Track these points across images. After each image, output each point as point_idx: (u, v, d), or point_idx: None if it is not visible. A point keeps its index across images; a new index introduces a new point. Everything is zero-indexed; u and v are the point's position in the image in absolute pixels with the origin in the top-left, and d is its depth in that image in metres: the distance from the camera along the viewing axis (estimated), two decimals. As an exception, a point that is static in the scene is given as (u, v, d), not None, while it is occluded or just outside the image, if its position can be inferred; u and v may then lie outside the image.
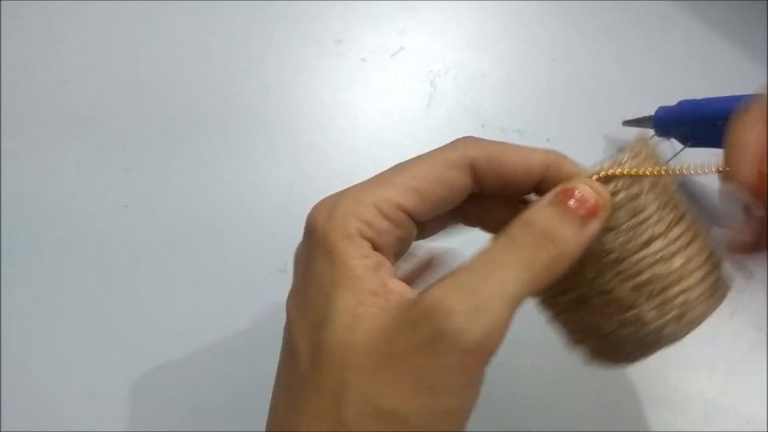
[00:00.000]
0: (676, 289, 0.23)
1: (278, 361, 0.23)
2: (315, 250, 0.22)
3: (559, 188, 0.22)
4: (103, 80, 0.47)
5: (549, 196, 0.22)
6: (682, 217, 0.24)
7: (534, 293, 0.21)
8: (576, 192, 0.21)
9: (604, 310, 0.23)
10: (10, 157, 0.43)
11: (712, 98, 0.41)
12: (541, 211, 0.21)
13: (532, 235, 0.20)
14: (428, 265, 0.30)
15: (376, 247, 0.22)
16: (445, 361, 0.18)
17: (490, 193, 0.24)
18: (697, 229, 0.25)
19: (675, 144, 0.46)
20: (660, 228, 0.23)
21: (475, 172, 0.23)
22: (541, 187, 0.24)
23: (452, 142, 0.24)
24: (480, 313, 0.19)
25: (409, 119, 0.48)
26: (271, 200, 0.43)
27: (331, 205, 0.22)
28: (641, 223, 0.23)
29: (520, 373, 0.37)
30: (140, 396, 0.36)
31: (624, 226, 0.23)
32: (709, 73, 0.53)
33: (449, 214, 0.25)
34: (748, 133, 0.25)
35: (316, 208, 0.23)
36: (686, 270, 0.23)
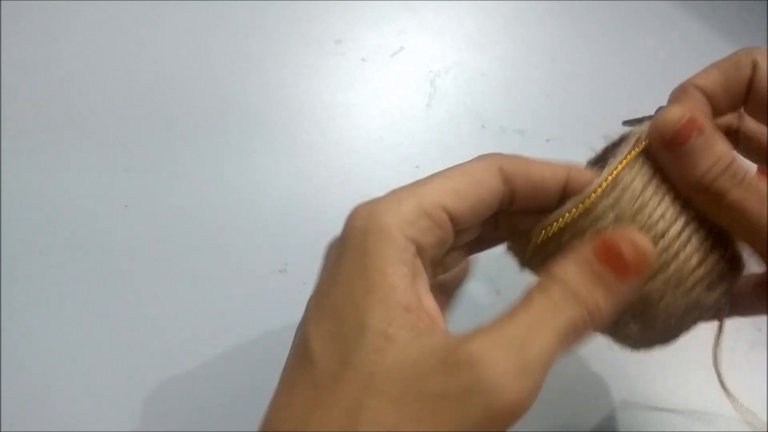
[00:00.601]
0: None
1: (288, 358, 0.22)
2: (349, 248, 0.21)
3: (598, 241, 0.20)
4: (103, 80, 0.47)
5: (587, 248, 0.20)
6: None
7: (566, 351, 0.20)
8: (614, 248, 0.20)
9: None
10: (10, 157, 0.43)
11: None
12: (576, 265, 0.20)
13: (568, 297, 0.20)
14: (459, 274, 0.29)
15: (418, 249, 0.22)
16: (477, 418, 0.18)
17: (519, 205, 0.24)
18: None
19: None
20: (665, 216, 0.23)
21: (505, 177, 0.23)
22: (564, 201, 0.24)
23: (480, 155, 0.24)
24: (525, 375, 0.18)
25: (409, 119, 0.48)
26: (271, 200, 0.43)
27: (371, 206, 0.22)
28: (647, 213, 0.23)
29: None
30: (140, 396, 0.36)
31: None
32: (709, 73, 0.53)
33: (482, 229, 0.25)
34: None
35: (356, 208, 0.22)
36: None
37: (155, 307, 0.39)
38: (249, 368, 0.37)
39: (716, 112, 0.26)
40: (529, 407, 0.19)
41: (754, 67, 0.25)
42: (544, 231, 0.23)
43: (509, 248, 0.26)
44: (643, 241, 0.20)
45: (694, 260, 0.23)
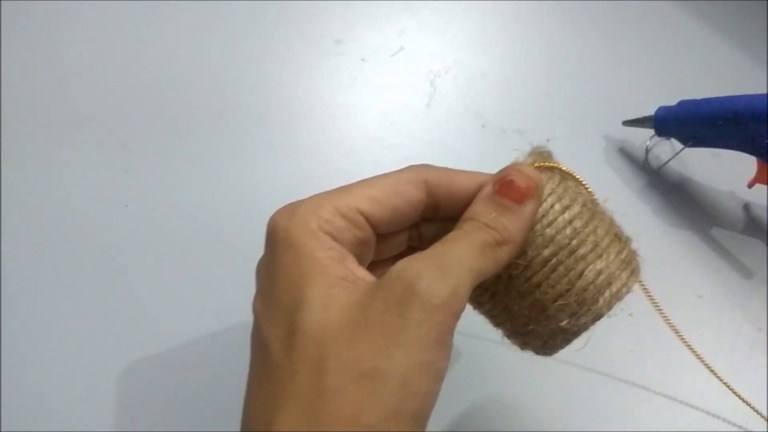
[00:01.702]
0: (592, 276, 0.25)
1: (249, 364, 0.23)
2: (277, 248, 0.23)
3: (495, 177, 0.24)
4: (103, 80, 0.47)
5: (488, 188, 0.24)
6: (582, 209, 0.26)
7: (487, 274, 0.23)
8: (510, 180, 0.24)
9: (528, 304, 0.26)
10: (10, 157, 0.43)
11: (711, 98, 0.41)
12: (482, 206, 0.24)
13: (478, 225, 0.23)
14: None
15: (336, 241, 0.23)
16: (417, 317, 0.20)
17: (444, 215, 0.26)
18: (597, 217, 0.26)
19: (675, 143, 0.46)
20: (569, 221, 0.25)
21: (428, 188, 0.25)
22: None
23: (408, 166, 0.26)
24: (445, 275, 0.21)
25: (409, 119, 0.48)
26: (271, 200, 0.42)
27: (290, 208, 0.24)
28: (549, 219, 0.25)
29: (518, 374, 0.37)
30: (140, 396, 0.36)
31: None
32: (709, 73, 0.53)
33: (410, 243, 0.27)
34: None
35: (277, 213, 0.24)
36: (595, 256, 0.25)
37: (155, 307, 0.39)
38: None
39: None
40: (461, 307, 0.21)
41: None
42: None
43: None
44: (528, 168, 0.24)
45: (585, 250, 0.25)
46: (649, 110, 0.45)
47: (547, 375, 0.38)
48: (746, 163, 0.43)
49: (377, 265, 0.27)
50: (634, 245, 0.27)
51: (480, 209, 0.24)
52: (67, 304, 0.38)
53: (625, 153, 0.48)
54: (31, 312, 0.38)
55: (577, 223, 0.25)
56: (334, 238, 0.23)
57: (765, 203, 0.46)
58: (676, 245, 0.44)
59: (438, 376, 0.20)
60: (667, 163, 0.46)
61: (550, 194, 0.25)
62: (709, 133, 0.42)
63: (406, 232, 0.27)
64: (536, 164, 0.26)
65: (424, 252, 0.22)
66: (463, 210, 0.25)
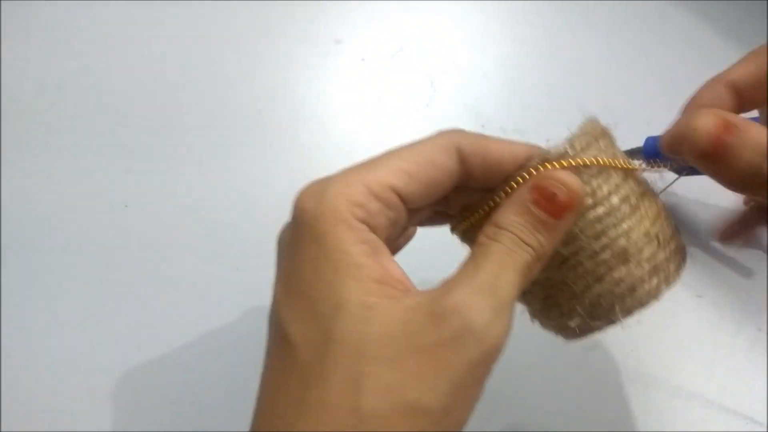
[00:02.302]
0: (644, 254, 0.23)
1: (267, 348, 0.22)
2: (304, 234, 0.21)
3: (531, 183, 0.22)
4: (103, 80, 0.47)
5: (523, 193, 0.22)
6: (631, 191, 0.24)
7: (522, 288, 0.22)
8: (552, 194, 0.22)
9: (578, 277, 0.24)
10: (10, 157, 0.43)
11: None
12: (517, 217, 0.22)
13: (517, 242, 0.22)
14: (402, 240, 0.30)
15: (370, 229, 0.22)
16: (472, 356, 0.19)
17: (475, 184, 0.25)
18: (649, 199, 0.25)
19: (666, 174, 0.44)
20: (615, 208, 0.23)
21: (461, 156, 0.24)
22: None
23: (439, 131, 0.24)
24: (501, 313, 0.20)
25: (409, 119, 0.48)
26: (271, 200, 0.43)
27: (320, 188, 0.22)
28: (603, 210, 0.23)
29: (516, 372, 0.37)
30: (140, 396, 0.36)
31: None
32: (709, 73, 0.53)
33: (436, 208, 0.25)
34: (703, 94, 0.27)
35: (304, 192, 0.22)
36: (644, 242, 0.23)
37: (155, 307, 0.39)
38: (250, 368, 0.37)
39: (745, 105, 0.26)
40: (506, 344, 0.20)
41: None
42: (486, 207, 0.24)
43: (453, 229, 0.27)
44: (572, 180, 0.22)
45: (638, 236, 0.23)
46: (650, 109, 0.45)
47: (547, 376, 0.38)
48: None
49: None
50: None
51: (515, 220, 0.22)
52: (67, 303, 0.38)
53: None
54: (31, 311, 0.38)
55: (607, 222, 0.23)
56: (368, 224, 0.22)
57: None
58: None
59: (473, 406, 0.21)
60: (660, 193, 0.44)
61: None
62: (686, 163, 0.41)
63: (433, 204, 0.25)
64: (576, 159, 0.23)
65: (475, 278, 0.21)
66: (496, 179, 0.24)
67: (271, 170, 0.44)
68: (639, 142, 0.48)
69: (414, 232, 0.31)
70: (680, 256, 0.25)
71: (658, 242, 0.24)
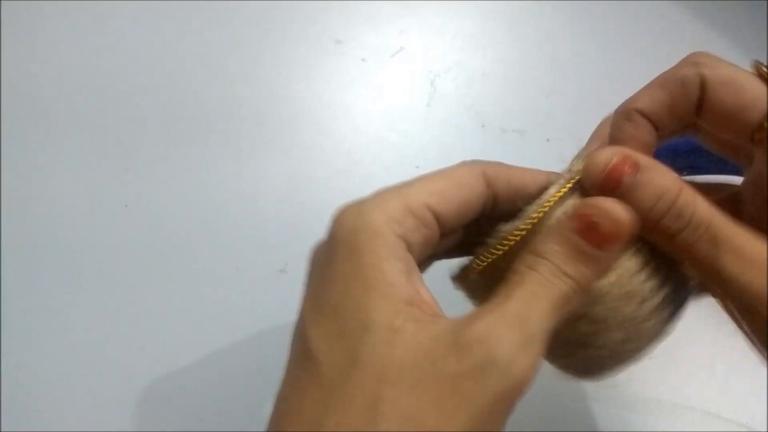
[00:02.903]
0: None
1: (289, 362, 0.22)
2: (340, 250, 0.21)
3: (576, 217, 0.21)
4: (103, 80, 0.47)
5: (564, 222, 0.21)
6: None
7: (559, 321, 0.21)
8: (594, 223, 0.21)
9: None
10: (10, 157, 0.43)
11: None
12: (557, 246, 0.21)
13: (556, 272, 0.21)
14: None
15: (406, 246, 0.22)
16: (495, 390, 0.19)
17: (502, 209, 0.25)
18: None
19: None
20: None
21: (488, 181, 0.24)
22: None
23: (462, 161, 0.25)
24: (529, 346, 0.19)
25: (409, 119, 0.48)
26: (271, 200, 0.43)
27: (358, 205, 0.22)
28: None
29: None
30: (140, 396, 0.36)
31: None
32: (709, 73, 0.53)
33: (467, 238, 0.25)
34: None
35: (342, 209, 0.22)
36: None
37: (155, 307, 0.39)
38: (249, 368, 0.37)
39: (663, 133, 0.25)
40: (534, 378, 0.20)
41: (703, 84, 0.24)
42: (504, 245, 0.23)
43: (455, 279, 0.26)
44: (617, 209, 0.21)
45: (646, 286, 0.23)
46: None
47: (545, 376, 0.38)
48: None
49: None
50: None
51: (554, 249, 0.21)
52: (67, 303, 0.38)
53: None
54: (31, 312, 0.38)
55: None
56: (406, 241, 0.21)
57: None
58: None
59: None
60: None
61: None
62: (705, 160, 0.35)
63: (460, 230, 0.25)
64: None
65: (504, 307, 0.20)
66: (521, 204, 0.24)
67: (271, 170, 0.44)
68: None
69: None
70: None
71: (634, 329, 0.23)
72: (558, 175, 0.24)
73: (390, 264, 0.21)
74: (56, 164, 0.43)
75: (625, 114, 0.25)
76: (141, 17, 0.50)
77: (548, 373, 0.37)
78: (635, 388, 0.38)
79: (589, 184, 0.22)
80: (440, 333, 0.20)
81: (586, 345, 0.23)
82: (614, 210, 0.21)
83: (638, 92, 0.25)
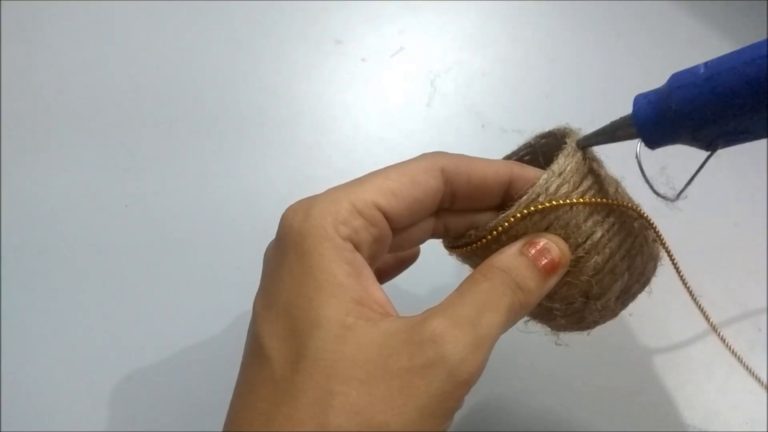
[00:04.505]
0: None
1: (243, 360, 0.23)
2: (289, 251, 0.22)
3: (527, 239, 0.24)
4: (103, 80, 0.47)
5: (520, 243, 0.24)
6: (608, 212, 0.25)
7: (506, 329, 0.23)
8: (544, 248, 0.24)
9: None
10: (10, 157, 0.43)
11: (732, 53, 0.23)
12: (515, 260, 0.23)
13: (510, 283, 0.23)
14: (401, 260, 0.30)
15: (355, 247, 0.22)
16: (442, 386, 0.19)
17: (462, 204, 0.25)
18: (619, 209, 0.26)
19: (672, 156, 0.27)
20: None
21: (446, 177, 0.24)
22: (508, 197, 0.25)
23: (423, 153, 0.25)
24: (477, 349, 0.20)
25: (409, 119, 0.48)
26: (271, 200, 0.43)
27: (306, 205, 0.22)
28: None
29: (520, 372, 0.37)
30: (140, 396, 0.36)
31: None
32: (709, 73, 0.53)
33: (422, 227, 0.26)
34: None
35: (291, 209, 0.23)
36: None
37: (155, 307, 0.39)
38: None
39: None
40: (479, 378, 0.21)
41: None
42: (493, 233, 0.25)
43: (449, 248, 0.28)
44: (564, 246, 0.24)
45: (617, 259, 0.25)
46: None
47: (546, 373, 0.38)
48: (747, 193, 0.42)
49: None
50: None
51: (513, 264, 0.23)
52: (67, 303, 0.38)
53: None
54: (31, 311, 0.38)
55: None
56: (352, 242, 0.22)
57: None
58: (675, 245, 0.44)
59: None
60: (687, 187, 0.25)
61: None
62: (750, 120, 0.22)
63: (430, 222, 0.26)
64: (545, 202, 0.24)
65: (458, 310, 0.21)
66: (480, 199, 0.25)
67: (271, 170, 0.44)
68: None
69: (418, 253, 0.31)
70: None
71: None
72: (522, 166, 0.26)
73: (338, 266, 0.21)
74: (56, 164, 0.43)
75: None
76: (141, 17, 0.50)
77: (546, 375, 0.38)
78: (635, 387, 0.38)
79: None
80: (393, 330, 0.20)
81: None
82: (563, 245, 0.24)
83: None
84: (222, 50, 0.49)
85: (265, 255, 0.24)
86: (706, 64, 0.23)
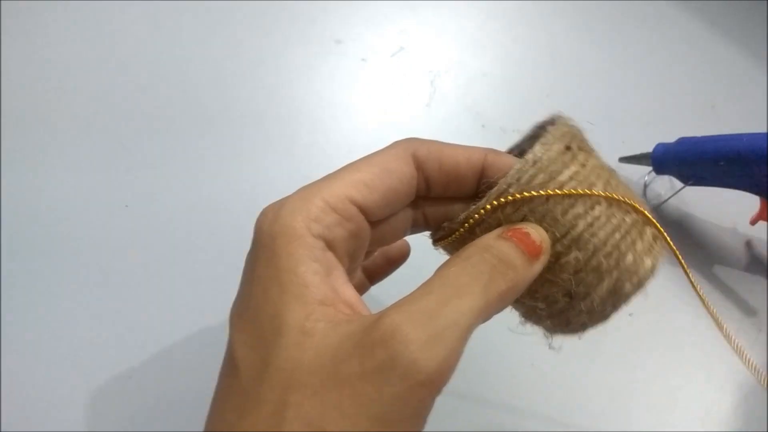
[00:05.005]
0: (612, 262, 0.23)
1: (220, 369, 0.22)
2: (260, 255, 0.21)
3: (508, 227, 0.22)
4: (104, 80, 0.47)
5: (498, 230, 0.22)
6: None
7: (485, 321, 0.20)
8: (523, 231, 0.22)
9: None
10: (10, 157, 0.43)
11: (711, 137, 0.41)
12: (495, 240, 0.21)
13: (490, 260, 0.20)
14: (391, 260, 0.30)
15: (328, 245, 0.21)
16: (395, 391, 0.18)
17: (436, 192, 0.24)
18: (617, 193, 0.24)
19: (673, 180, 0.46)
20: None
21: (418, 163, 0.23)
22: (483, 185, 0.24)
23: (395, 141, 0.24)
24: (436, 343, 0.18)
25: (409, 119, 0.48)
26: (271, 200, 0.42)
27: (277, 206, 0.22)
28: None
29: (516, 371, 0.37)
30: (140, 396, 0.36)
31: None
32: (709, 73, 0.53)
33: (402, 218, 0.25)
34: None
35: (263, 212, 0.22)
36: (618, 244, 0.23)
37: (155, 307, 0.39)
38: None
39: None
40: (449, 376, 0.18)
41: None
42: (465, 225, 0.23)
43: (433, 239, 0.26)
44: (543, 232, 0.22)
45: (605, 246, 0.23)
46: (648, 112, 0.45)
47: (546, 376, 0.38)
48: (748, 200, 0.42)
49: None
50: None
51: (493, 243, 0.21)
52: (67, 303, 0.38)
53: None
54: (31, 311, 0.38)
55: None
56: (325, 239, 0.21)
57: (765, 237, 0.46)
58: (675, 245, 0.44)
59: None
60: (666, 201, 0.46)
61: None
62: (710, 172, 0.41)
63: (408, 212, 0.25)
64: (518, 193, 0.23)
65: (417, 301, 0.19)
66: (454, 186, 0.24)
67: (271, 170, 0.44)
68: (640, 142, 0.48)
69: (407, 252, 0.30)
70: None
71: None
72: (497, 153, 0.25)
73: (305, 266, 0.20)
74: (56, 164, 0.43)
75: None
76: (141, 17, 0.50)
77: (546, 376, 0.38)
78: (635, 387, 0.38)
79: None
80: (349, 333, 0.19)
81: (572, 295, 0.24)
82: (541, 231, 0.22)
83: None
84: (222, 50, 0.49)
85: (244, 262, 0.24)
86: (680, 139, 0.43)
